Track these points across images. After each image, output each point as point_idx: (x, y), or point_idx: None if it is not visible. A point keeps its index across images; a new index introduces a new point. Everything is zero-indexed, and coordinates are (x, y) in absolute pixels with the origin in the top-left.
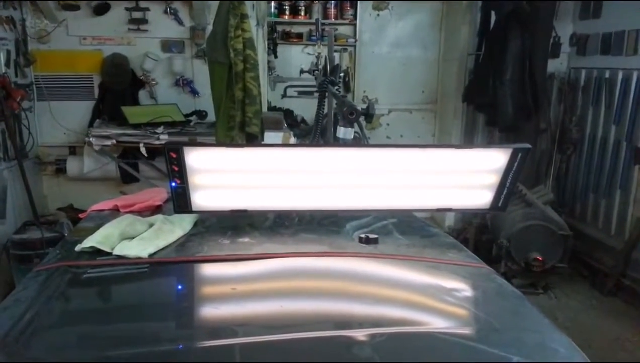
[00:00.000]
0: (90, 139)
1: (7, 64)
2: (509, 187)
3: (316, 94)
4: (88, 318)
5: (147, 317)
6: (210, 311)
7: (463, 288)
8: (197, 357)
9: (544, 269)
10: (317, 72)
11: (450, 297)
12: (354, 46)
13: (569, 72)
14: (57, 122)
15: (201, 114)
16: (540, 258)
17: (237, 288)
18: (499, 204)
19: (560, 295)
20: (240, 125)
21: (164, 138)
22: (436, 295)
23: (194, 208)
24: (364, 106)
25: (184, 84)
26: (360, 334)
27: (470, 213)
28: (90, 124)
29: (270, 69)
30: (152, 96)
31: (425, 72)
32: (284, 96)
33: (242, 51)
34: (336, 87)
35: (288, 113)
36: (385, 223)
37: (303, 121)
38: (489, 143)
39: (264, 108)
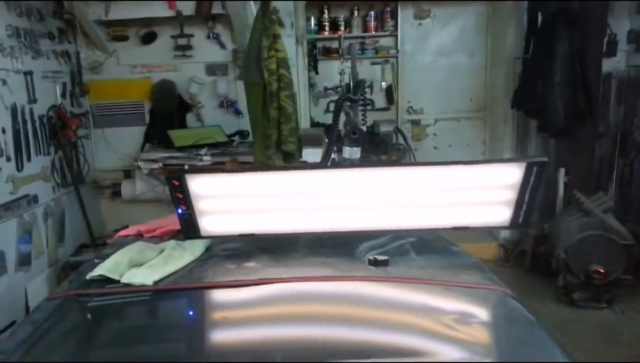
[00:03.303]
0: (139, 163)
1: (64, 95)
2: (528, 202)
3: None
4: (82, 347)
5: (136, 346)
6: (194, 342)
7: (469, 313)
8: None
9: (607, 282)
10: (339, 88)
11: (452, 324)
12: (396, 57)
13: (628, 71)
14: (112, 148)
15: (243, 134)
16: (602, 270)
17: (229, 317)
18: (520, 221)
19: (627, 309)
20: (276, 144)
21: (207, 159)
22: (436, 321)
23: (202, 234)
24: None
25: (228, 105)
26: None
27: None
28: (142, 149)
29: (312, 85)
30: (199, 119)
31: (472, 79)
32: (327, 111)
33: (275, 70)
34: (362, 103)
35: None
36: (403, 243)
37: None
38: (543, 150)
39: (307, 125)
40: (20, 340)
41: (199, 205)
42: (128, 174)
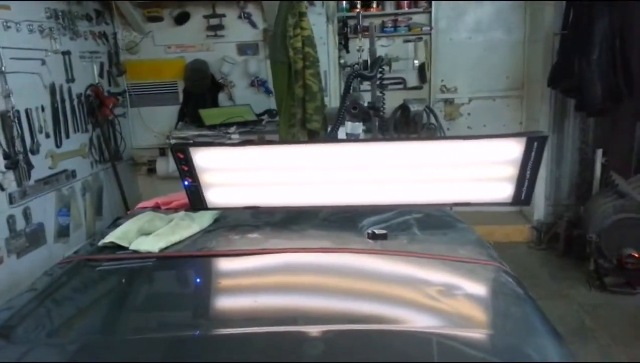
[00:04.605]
0: (171, 141)
1: (101, 75)
2: (530, 178)
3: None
4: (85, 306)
5: (134, 308)
6: (179, 304)
7: (455, 286)
8: (138, 347)
9: None
10: (356, 65)
11: (436, 295)
12: (430, 35)
13: None
14: (148, 126)
15: (272, 113)
16: (636, 254)
17: (224, 284)
18: (522, 198)
19: None
20: (301, 122)
21: (235, 137)
22: (420, 292)
23: (209, 205)
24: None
25: (259, 84)
26: (318, 330)
27: (490, 206)
28: (176, 127)
29: (342, 64)
30: (231, 98)
31: (509, 57)
32: (355, 89)
33: (301, 49)
34: (379, 80)
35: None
36: (407, 218)
37: None
38: (581, 130)
39: (337, 103)
40: (29, 298)
41: (205, 178)
42: (163, 151)
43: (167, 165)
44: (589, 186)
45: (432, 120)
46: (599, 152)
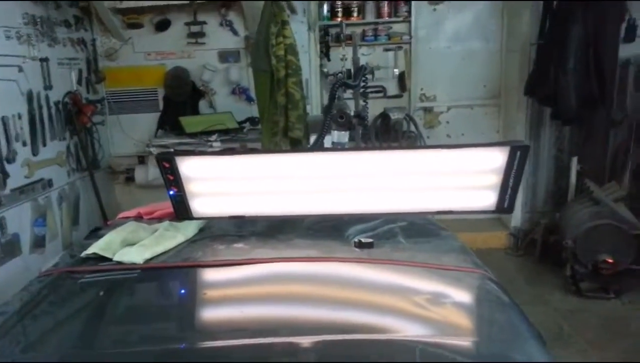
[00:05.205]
0: (151, 149)
1: (79, 82)
2: (513, 187)
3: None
4: (66, 320)
5: (118, 321)
6: (165, 316)
7: (442, 294)
8: (124, 360)
9: (616, 272)
10: (340, 74)
11: (424, 303)
12: (409, 43)
13: None
14: (127, 134)
15: (254, 121)
16: (611, 260)
17: (208, 294)
18: (505, 206)
19: (636, 300)
20: (283, 130)
21: (217, 145)
22: (408, 301)
23: (194, 215)
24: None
25: (240, 92)
26: (305, 341)
27: (472, 214)
28: (156, 135)
29: (323, 73)
30: (212, 105)
31: (486, 66)
32: (340, 98)
33: (283, 57)
34: (362, 89)
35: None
36: (392, 227)
37: None
38: (557, 138)
39: (319, 111)
40: (9, 314)
41: (190, 187)
42: (142, 160)
43: (146, 173)
44: (565, 193)
45: (412, 128)
46: (574, 160)
